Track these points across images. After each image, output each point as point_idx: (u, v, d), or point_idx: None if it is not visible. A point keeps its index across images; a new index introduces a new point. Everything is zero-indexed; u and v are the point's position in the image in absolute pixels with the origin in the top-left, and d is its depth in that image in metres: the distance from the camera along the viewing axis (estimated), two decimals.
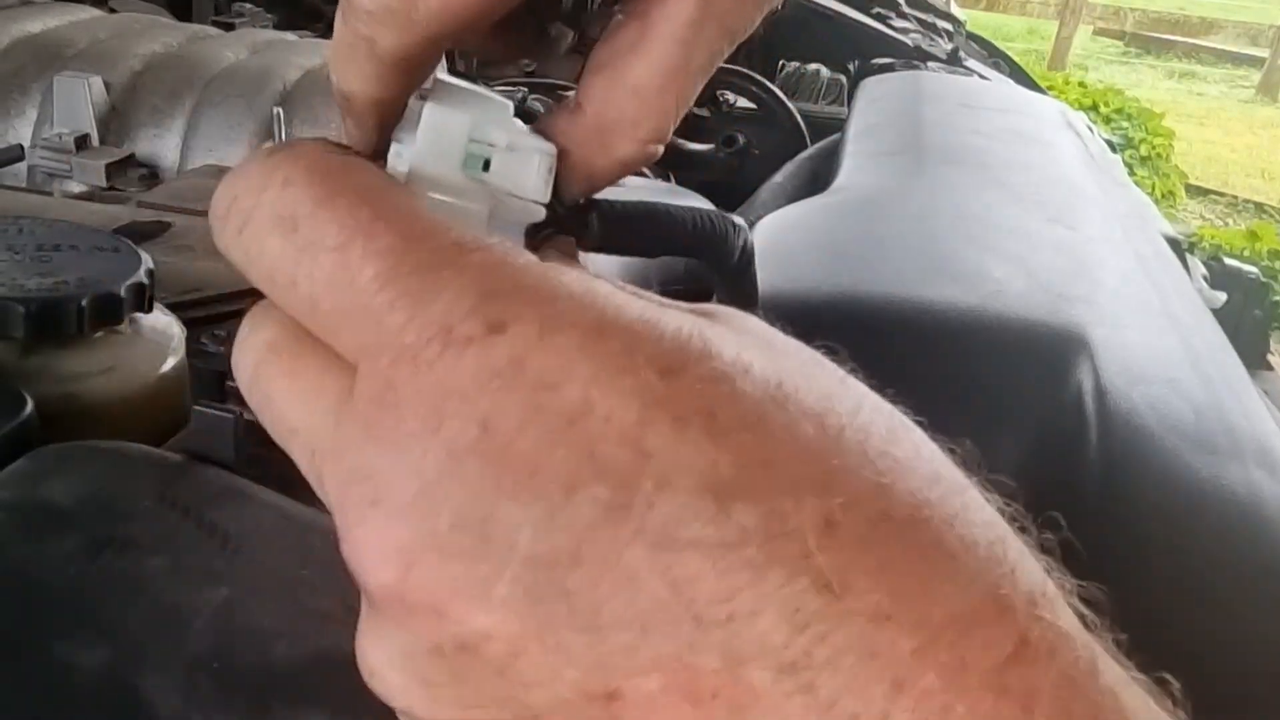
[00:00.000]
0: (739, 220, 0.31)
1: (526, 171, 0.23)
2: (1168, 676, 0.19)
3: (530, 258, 0.19)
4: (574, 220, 0.25)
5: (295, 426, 0.20)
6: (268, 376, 0.21)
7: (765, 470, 0.17)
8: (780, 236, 0.79)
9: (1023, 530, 0.19)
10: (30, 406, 0.39)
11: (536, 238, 0.24)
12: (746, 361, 0.18)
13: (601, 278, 0.19)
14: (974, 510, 0.18)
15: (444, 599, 0.17)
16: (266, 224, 0.20)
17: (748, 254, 0.31)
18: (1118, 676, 0.17)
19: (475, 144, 0.23)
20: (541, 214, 0.24)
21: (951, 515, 0.17)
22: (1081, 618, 0.18)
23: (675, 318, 0.18)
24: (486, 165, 0.23)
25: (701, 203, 0.89)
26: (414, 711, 0.19)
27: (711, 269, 0.30)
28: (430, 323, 0.18)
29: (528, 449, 0.17)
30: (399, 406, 0.18)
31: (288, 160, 0.20)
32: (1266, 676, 0.51)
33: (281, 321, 0.21)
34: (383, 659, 0.19)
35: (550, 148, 0.23)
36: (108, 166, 0.88)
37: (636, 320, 0.18)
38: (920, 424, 0.20)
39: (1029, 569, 0.18)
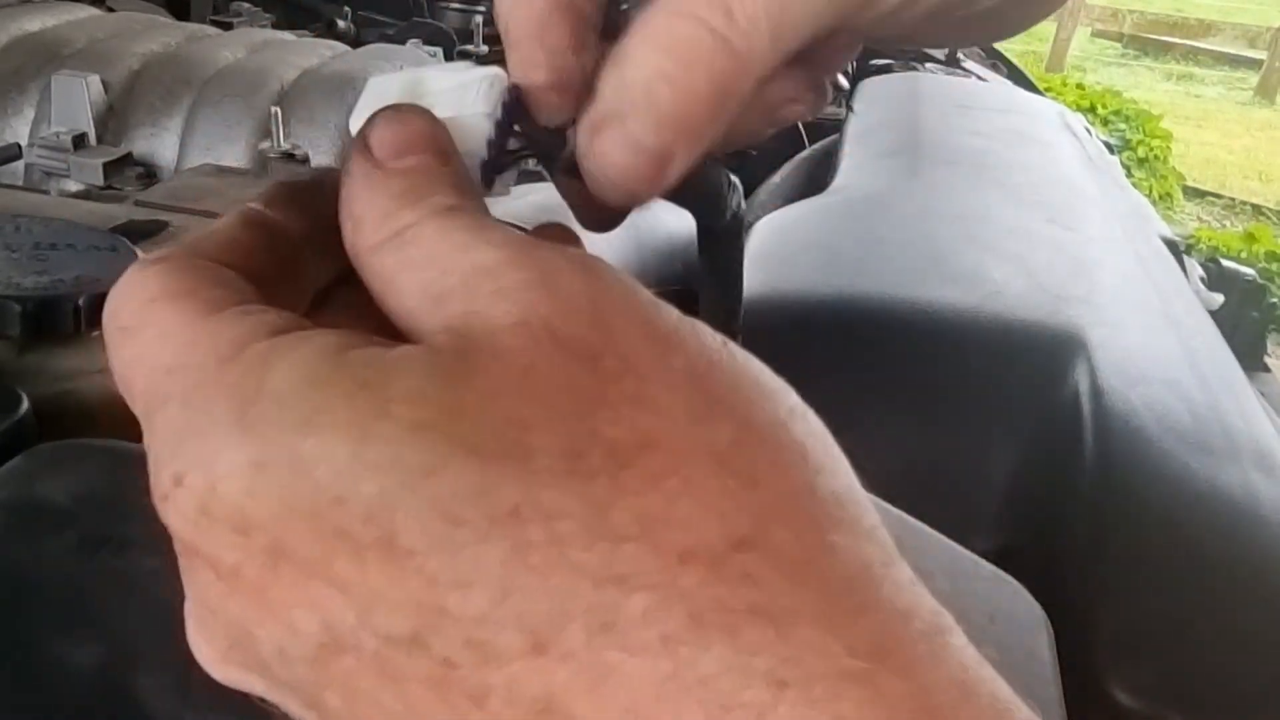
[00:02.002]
0: (734, 178, 0.30)
1: (466, 94, 0.23)
2: None
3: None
4: (550, 140, 0.24)
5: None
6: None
7: (456, 596, 0.16)
8: (778, 237, 0.79)
9: None
10: (26, 405, 0.39)
11: (510, 161, 0.24)
12: (415, 476, 0.17)
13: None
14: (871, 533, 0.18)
15: (262, 694, 0.19)
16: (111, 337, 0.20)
17: (739, 216, 0.29)
18: None
19: (417, 99, 0.23)
20: (484, 125, 0.23)
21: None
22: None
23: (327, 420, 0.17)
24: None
25: None
26: None
27: (699, 223, 0.29)
28: (151, 474, 0.19)
29: (247, 589, 0.18)
30: (173, 539, 0.19)
31: (127, 288, 0.20)
32: (1265, 676, 0.51)
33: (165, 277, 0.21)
34: None
35: (494, 70, 0.23)
36: (105, 165, 0.88)
37: (297, 445, 0.17)
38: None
39: (807, 655, 0.16)
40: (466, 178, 0.21)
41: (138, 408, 0.20)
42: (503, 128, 0.23)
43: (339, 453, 0.17)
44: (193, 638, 0.20)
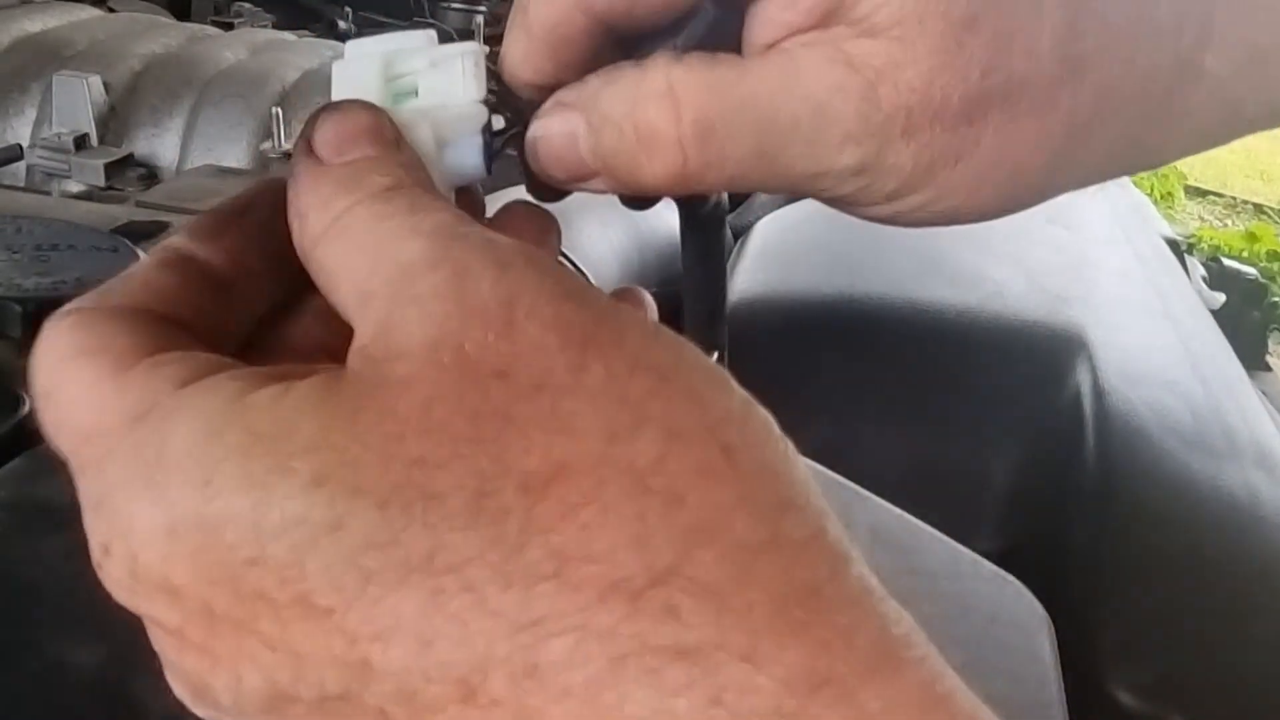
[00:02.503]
0: None
1: (452, 78, 0.22)
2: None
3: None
4: (517, 112, 0.24)
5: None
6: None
7: (378, 650, 0.16)
8: (779, 238, 0.79)
9: None
10: (27, 406, 0.39)
11: (507, 138, 0.23)
12: (321, 532, 0.16)
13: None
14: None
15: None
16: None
17: (721, 204, 0.29)
18: None
19: (395, 81, 0.22)
20: (482, 113, 0.22)
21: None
22: None
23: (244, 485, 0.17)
24: (418, 94, 0.22)
25: None
26: None
27: (681, 210, 0.28)
28: (90, 541, 0.19)
29: (196, 641, 0.18)
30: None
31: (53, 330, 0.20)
32: (1266, 677, 0.51)
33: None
34: None
35: (473, 45, 0.23)
36: (106, 166, 0.88)
37: (201, 510, 0.17)
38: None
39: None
40: (418, 165, 0.21)
41: (72, 473, 0.19)
42: (494, 110, 0.23)
43: (244, 513, 0.16)
44: (170, 681, 0.20)
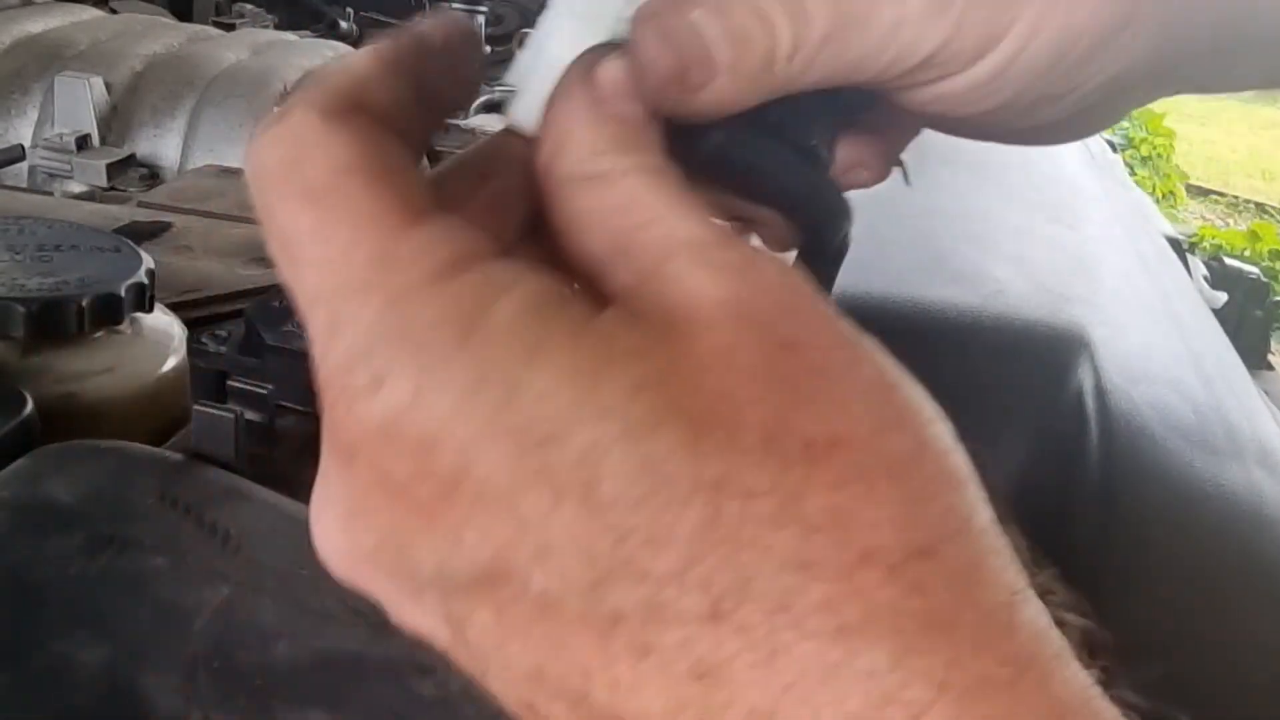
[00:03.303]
0: (851, 206, 0.30)
1: None
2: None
3: (444, 281, 0.18)
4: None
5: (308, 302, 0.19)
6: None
7: (646, 552, 0.16)
8: None
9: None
10: (31, 406, 0.39)
11: None
12: (631, 431, 0.17)
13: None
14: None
15: (384, 597, 0.19)
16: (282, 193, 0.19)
17: (846, 244, 0.29)
18: None
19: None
20: None
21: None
22: None
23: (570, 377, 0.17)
24: None
25: None
26: None
27: (806, 242, 0.28)
28: (332, 363, 0.18)
29: (418, 503, 0.17)
30: (328, 428, 0.19)
31: (307, 140, 0.19)
32: (1267, 676, 0.51)
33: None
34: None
35: None
36: (108, 166, 0.88)
37: (520, 377, 0.17)
38: None
39: (969, 658, 0.17)
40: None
41: (311, 284, 0.19)
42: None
43: (562, 393, 0.17)
44: (326, 529, 0.19)
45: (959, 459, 0.18)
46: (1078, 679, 0.17)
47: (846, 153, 0.27)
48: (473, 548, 0.17)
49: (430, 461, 0.17)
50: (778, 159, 0.26)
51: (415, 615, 0.19)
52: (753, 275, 0.18)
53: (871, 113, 0.27)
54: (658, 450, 0.16)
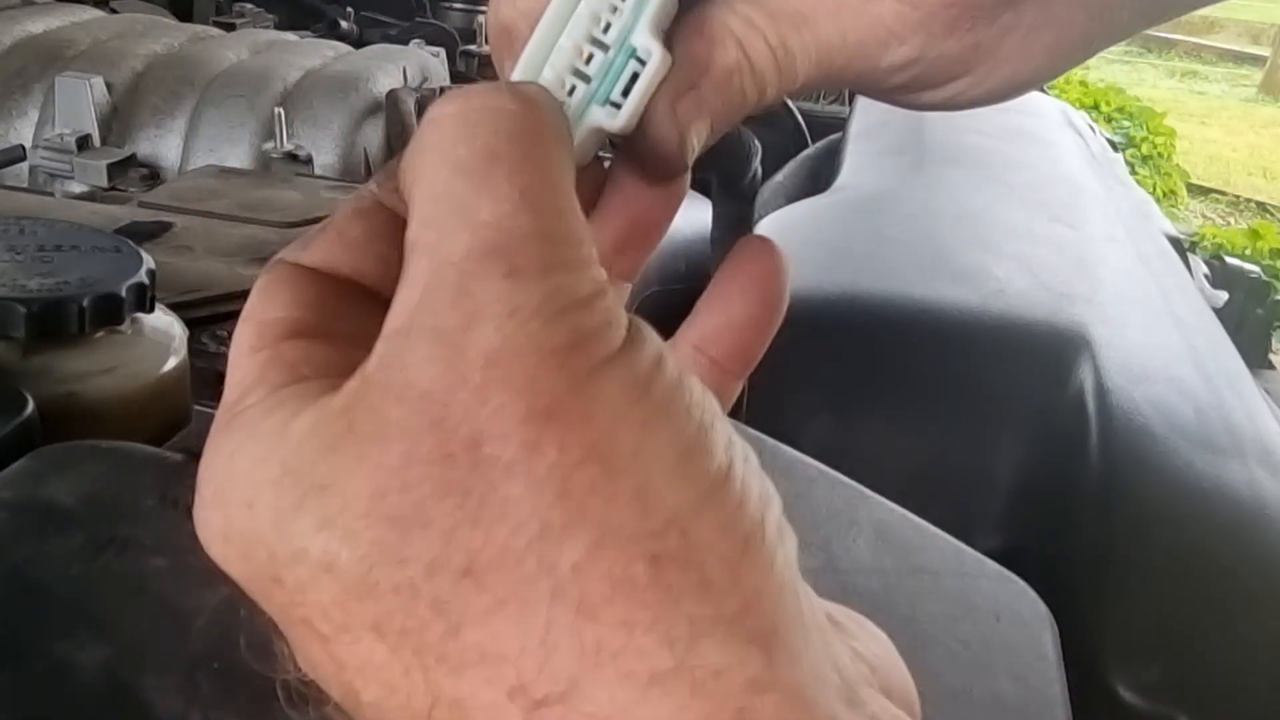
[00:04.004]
0: (757, 142, 0.30)
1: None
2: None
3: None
4: None
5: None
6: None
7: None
8: (781, 236, 0.79)
9: None
10: (32, 406, 0.39)
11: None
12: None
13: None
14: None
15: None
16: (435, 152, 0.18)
17: (756, 178, 0.29)
18: None
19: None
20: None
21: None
22: None
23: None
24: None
25: (702, 202, 0.89)
26: None
27: (718, 182, 0.29)
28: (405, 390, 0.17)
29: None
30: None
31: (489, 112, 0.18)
32: (1269, 673, 0.51)
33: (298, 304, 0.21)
34: None
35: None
36: (109, 167, 0.88)
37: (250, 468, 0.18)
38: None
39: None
40: None
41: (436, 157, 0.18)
42: None
43: (268, 540, 0.18)
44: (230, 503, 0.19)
45: (667, 545, 0.16)
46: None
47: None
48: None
49: (249, 590, 0.19)
50: None
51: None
52: (462, 349, 0.17)
53: None
54: (338, 588, 0.17)
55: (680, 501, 0.16)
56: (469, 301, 0.17)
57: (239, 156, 0.90)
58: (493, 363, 0.16)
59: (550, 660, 0.16)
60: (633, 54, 0.22)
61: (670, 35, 0.22)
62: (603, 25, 0.22)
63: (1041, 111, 1.27)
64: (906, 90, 0.24)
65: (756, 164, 0.29)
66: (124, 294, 0.44)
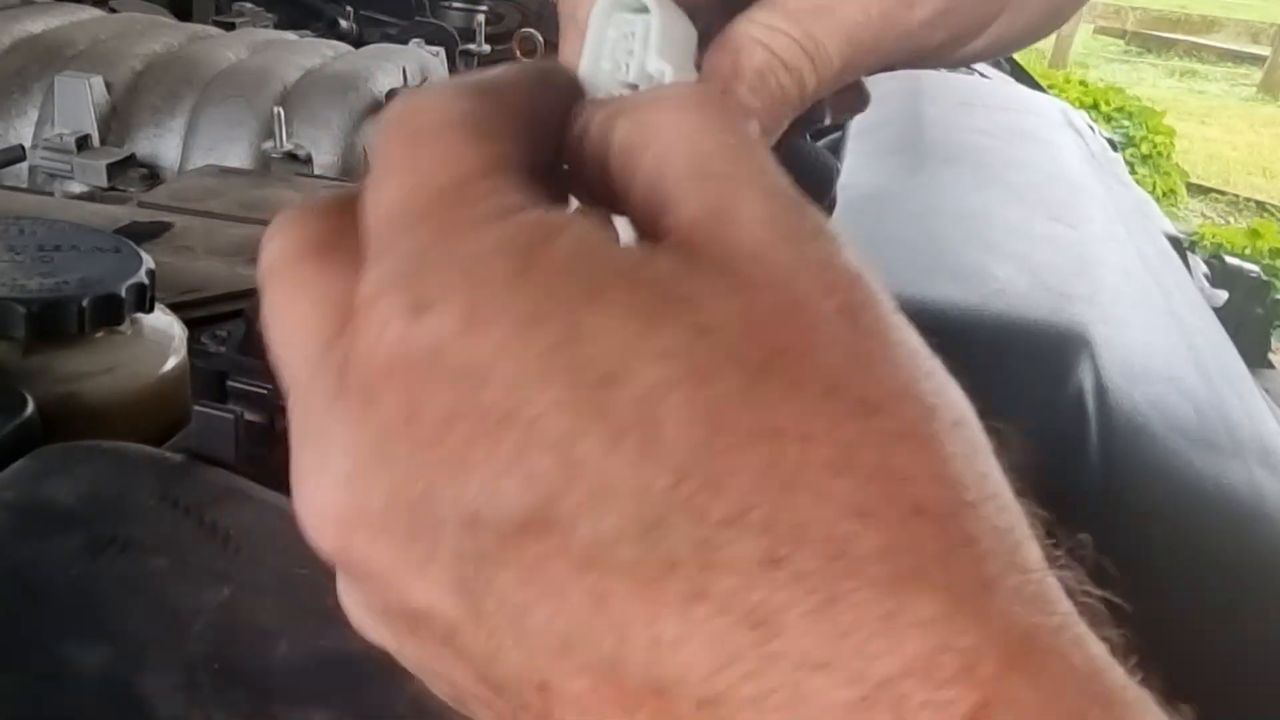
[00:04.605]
0: (837, 164, 0.32)
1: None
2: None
3: (511, 200, 0.18)
4: None
5: (282, 358, 0.20)
6: (273, 285, 0.20)
7: (704, 496, 0.16)
8: None
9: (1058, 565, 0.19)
10: (31, 406, 0.39)
11: None
12: (693, 375, 0.16)
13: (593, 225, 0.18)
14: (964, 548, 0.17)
15: (381, 572, 0.17)
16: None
17: (834, 202, 0.31)
18: None
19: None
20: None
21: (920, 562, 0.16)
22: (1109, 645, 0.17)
23: (633, 297, 0.17)
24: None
25: None
26: (393, 652, 0.20)
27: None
28: (371, 291, 0.17)
29: (454, 444, 0.16)
30: (345, 375, 0.18)
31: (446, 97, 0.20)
32: (1268, 676, 0.51)
33: (308, 228, 0.20)
34: (352, 607, 0.19)
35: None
36: (108, 167, 0.88)
37: (579, 314, 0.16)
38: None
39: (1017, 613, 0.16)
40: None
41: (382, 211, 0.18)
42: None
43: (622, 332, 0.16)
44: (321, 493, 0.18)
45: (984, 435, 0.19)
46: (1102, 648, 0.17)
47: (833, 100, 0.30)
48: (513, 495, 0.16)
49: (474, 397, 0.16)
50: (792, 146, 0.28)
51: (418, 590, 0.17)
52: (816, 241, 0.19)
53: None
54: (719, 395, 0.16)
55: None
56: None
57: (238, 156, 0.90)
58: (860, 268, 0.19)
59: (950, 485, 0.17)
60: (650, 79, 0.24)
61: (700, 58, 0.25)
62: (629, 51, 0.24)
63: (1041, 111, 1.27)
64: (953, 44, 0.25)
65: (836, 187, 0.30)
66: (124, 294, 0.44)
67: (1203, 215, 5.00)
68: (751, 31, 0.24)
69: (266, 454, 0.42)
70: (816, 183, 0.30)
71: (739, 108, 0.24)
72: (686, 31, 0.24)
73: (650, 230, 0.19)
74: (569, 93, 0.23)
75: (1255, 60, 8.09)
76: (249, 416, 0.40)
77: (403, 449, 0.17)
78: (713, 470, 0.16)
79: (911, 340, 0.19)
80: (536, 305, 0.16)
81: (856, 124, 1.10)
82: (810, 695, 0.15)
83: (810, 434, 0.16)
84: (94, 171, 0.88)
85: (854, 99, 0.31)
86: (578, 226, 0.18)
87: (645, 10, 0.24)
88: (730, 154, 0.20)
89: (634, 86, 0.24)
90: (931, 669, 0.15)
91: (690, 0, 0.24)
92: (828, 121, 0.32)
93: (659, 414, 0.16)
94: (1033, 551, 0.18)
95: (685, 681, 0.16)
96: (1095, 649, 0.17)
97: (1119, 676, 0.17)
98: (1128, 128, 4.89)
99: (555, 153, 0.22)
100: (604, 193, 0.21)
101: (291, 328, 0.19)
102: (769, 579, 0.15)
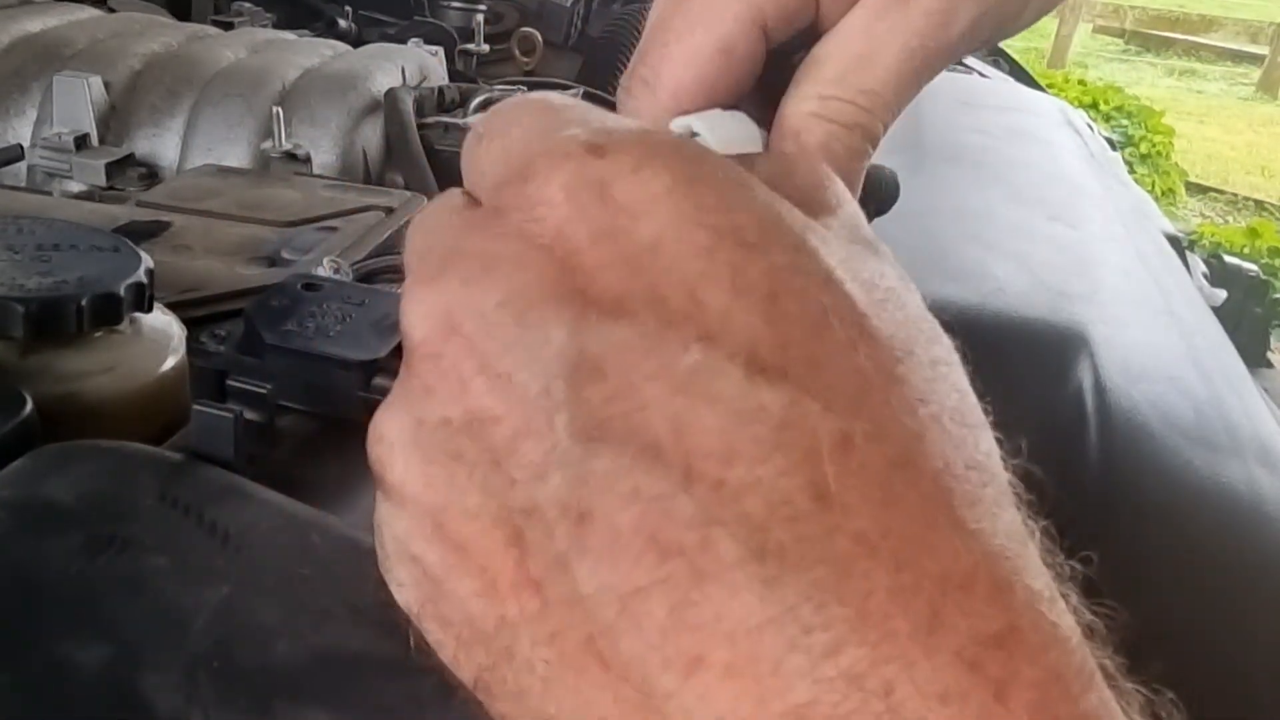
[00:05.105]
0: (897, 178, 0.33)
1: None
2: (1166, 693, 0.18)
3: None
4: None
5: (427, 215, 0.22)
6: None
7: (806, 367, 0.17)
8: None
9: (1050, 554, 0.19)
10: (30, 406, 0.39)
11: None
12: (838, 270, 0.18)
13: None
14: (999, 506, 0.18)
15: (470, 371, 0.18)
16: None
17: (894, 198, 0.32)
18: (1109, 697, 0.17)
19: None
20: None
21: (974, 498, 0.17)
22: (1089, 631, 0.18)
23: (780, 204, 0.19)
24: None
25: None
26: (406, 487, 0.19)
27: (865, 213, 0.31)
28: (548, 135, 0.20)
29: (589, 263, 0.18)
30: (504, 197, 0.20)
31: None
32: (1267, 674, 0.51)
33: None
34: (394, 426, 0.20)
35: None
36: (107, 166, 0.88)
37: (735, 186, 0.19)
38: None
39: (1038, 572, 0.17)
40: None
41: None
42: None
43: (804, 236, 0.19)
44: (448, 284, 0.19)
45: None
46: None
47: None
48: (635, 310, 0.18)
49: (627, 228, 0.18)
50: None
51: (497, 392, 0.18)
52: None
53: None
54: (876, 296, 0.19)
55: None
56: None
57: (237, 155, 0.90)
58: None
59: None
60: None
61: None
62: None
63: (1040, 110, 1.27)
64: (997, 35, 0.27)
65: (894, 200, 0.32)
66: (122, 293, 0.44)
67: (1201, 214, 5.00)
68: (803, 108, 0.25)
69: (266, 453, 0.42)
70: (880, 199, 0.31)
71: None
72: (746, 132, 0.25)
73: None
74: None
75: (1254, 59, 8.09)
76: (248, 416, 0.40)
77: (538, 260, 0.18)
78: (819, 347, 0.18)
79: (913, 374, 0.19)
80: (698, 171, 0.19)
81: None
82: (854, 573, 0.16)
83: (936, 368, 0.20)
84: (92, 171, 0.88)
85: None
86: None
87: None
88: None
89: None
90: (974, 584, 0.16)
91: (735, 95, 0.25)
92: None
93: (789, 286, 0.18)
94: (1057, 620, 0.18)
95: (740, 528, 0.16)
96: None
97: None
98: (1126, 127, 4.89)
99: None
100: None
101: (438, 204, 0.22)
102: (842, 461, 0.17)
